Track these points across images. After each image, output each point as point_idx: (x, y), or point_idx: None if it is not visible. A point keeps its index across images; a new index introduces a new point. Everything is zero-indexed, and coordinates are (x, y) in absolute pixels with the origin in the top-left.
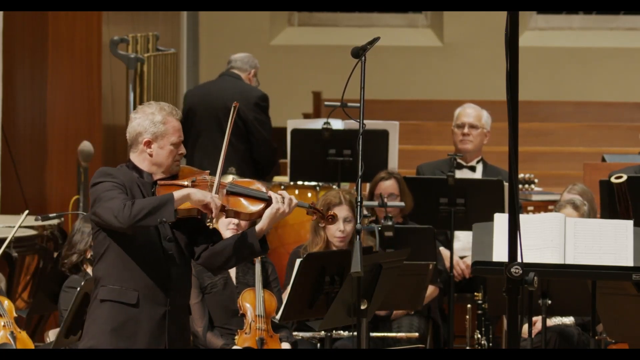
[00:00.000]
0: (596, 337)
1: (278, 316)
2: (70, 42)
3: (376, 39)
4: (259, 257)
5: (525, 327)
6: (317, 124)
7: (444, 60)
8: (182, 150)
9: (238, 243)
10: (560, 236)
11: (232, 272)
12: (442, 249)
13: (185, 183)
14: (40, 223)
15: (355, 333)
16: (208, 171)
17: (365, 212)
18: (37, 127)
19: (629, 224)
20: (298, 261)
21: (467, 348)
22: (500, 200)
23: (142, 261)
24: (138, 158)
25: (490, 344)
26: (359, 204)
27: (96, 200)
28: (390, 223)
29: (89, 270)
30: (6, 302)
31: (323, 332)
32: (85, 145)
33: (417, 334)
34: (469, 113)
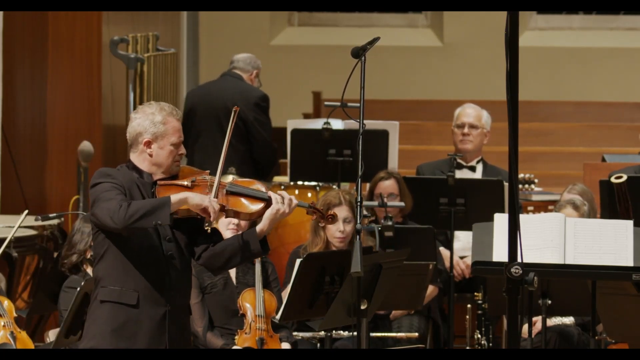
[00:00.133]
0: (596, 337)
1: (278, 316)
2: (70, 42)
3: (376, 39)
4: (259, 257)
5: (525, 327)
6: (317, 124)
7: (444, 60)
8: (182, 150)
9: (238, 244)
10: (560, 236)
11: (232, 272)
12: (442, 249)
13: (185, 183)
14: (40, 223)
15: (355, 333)
16: (208, 171)
17: (365, 212)
18: (37, 127)
19: (629, 224)
20: (298, 261)
21: (467, 348)
22: (500, 200)
23: (142, 262)
24: (138, 158)
25: (490, 344)
26: (358, 204)
27: (95, 201)
28: (390, 223)
29: (89, 270)
30: (6, 302)
31: (323, 332)
32: (85, 145)
33: (417, 334)
34: (469, 113)
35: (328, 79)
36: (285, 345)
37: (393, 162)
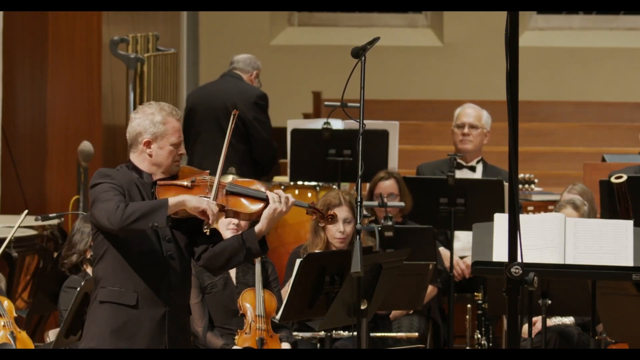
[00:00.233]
0: (596, 337)
1: (278, 316)
2: (70, 42)
3: (376, 39)
4: (259, 257)
5: (525, 327)
6: (317, 124)
7: (444, 60)
8: (182, 150)
9: (238, 244)
10: (560, 236)
11: (232, 272)
12: (442, 249)
13: (185, 183)
14: (40, 223)
15: (355, 333)
16: (208, 171)
17: (364, 212)
18: (37, 127)
19: (629, 224)
20: (298, 261)
21: (467, 348)
22: (500, 200)
23: (141, 262)
24: (138, 158)
25: (490, 344)
26: (358, 204)
27: (93, 201)
28: (390, 223)
29: (89, 270)
30: (6, 302)
31: (323, 332)
32: (85, 145)
33: (417, 334)
34: (469, 113)
35: (328, 79)
36: (285, 345)
37: (393, 162)
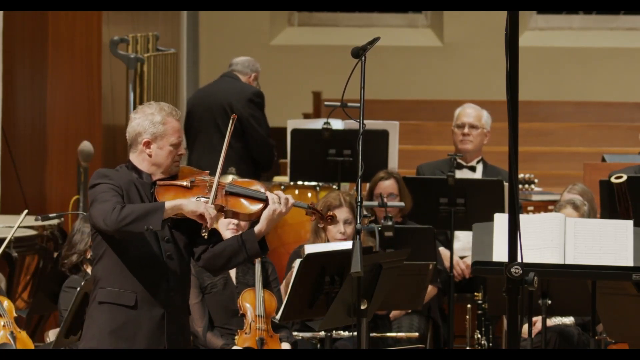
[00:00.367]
0: (596, 337)
1: (278, 316)
2: (70, 42)
3: (376, 39)
4: (259, 258)
5: (525, 327)
6: (317, 124)
7: (444, 60)
8: (182, 150)
9: (237, 245)
10: (560, 236)
11: (232, 272)
12: (442, 249)
13: (185, 183)
14: (40, 223)
15: (355, 333)
16: (207, 171)
17: (364, 212)
18: (37, 127)
19: (629, 224)
20: (298, 261)
21: (467, 348)
22: (500, 200)
23: (140, 263)
24: (137, 158)
25: (490, 344)
26: (358, 204)
27: (92, 202)
28: (390, 223)
29: (89, 270)
30: (6, 302)
31: (323, 332)
32: (85, 145)
33: (417, 334)
34: (469, 113)
35: (328, 79)
36: (285, 345)
37: (393, 162)
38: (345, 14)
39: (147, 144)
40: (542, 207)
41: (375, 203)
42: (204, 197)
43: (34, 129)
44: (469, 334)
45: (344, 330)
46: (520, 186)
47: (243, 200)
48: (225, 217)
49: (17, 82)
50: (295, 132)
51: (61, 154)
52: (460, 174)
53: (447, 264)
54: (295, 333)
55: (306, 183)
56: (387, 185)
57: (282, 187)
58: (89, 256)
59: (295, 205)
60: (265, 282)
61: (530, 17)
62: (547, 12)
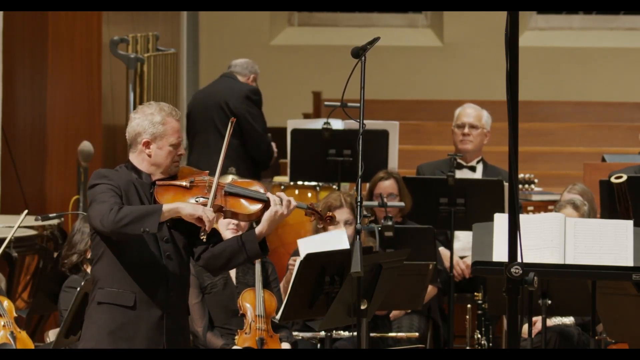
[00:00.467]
0: (596, 337)
1: (278, 316)
2: (70, 42)
3: (376, 39)
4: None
5: (525, 327)
6: (317, 124)
7: (444, 60)
8: (181, 151)
9: (238, 246)
10: (560, 236)
11: (232, 272)
12: (442, 249)
13: (184, 184)
14: (40, 223)
15: (355, 333)
16: (207, 172)
17: (364, 212)
18: (37, 127)
19: (629, 224)
20: (298, 261)
21: (467, 348)
22: (500, 200)
23: (139, 263)
24: (137, 158)
25: (490, 344)
26: (358, 204)
27: (90, 202)
28: (390, 223)
29: (89, 270)
30: (6, 302)
31: (323, 332)
32: (85, 145)
33: (417, 334)
34: (469, 113)
35: (328, 79)
36: (285, 345)
37: (393, 162)
38: (345, 14)
39: (147, 144)
40: (542, 207)
41: (375, 203)
42: (203, 197)
43: (34, 129)
44: (469, 334)
45: (344, 330)
46: (520, 186)
47: (242, 201)
48: (225, 218)
49: (17, 82)
50: (295, 132)
51: (61, 154)
52: (460, 174)
53: (447, 264)
54: (295, 333)
55: (306, 183)
56: (387, 185)
57: (282, 187)
58: (89, 256)
59: (296, 206)
60: (265, 282)
61: (530, 17)
62: (547, 12)
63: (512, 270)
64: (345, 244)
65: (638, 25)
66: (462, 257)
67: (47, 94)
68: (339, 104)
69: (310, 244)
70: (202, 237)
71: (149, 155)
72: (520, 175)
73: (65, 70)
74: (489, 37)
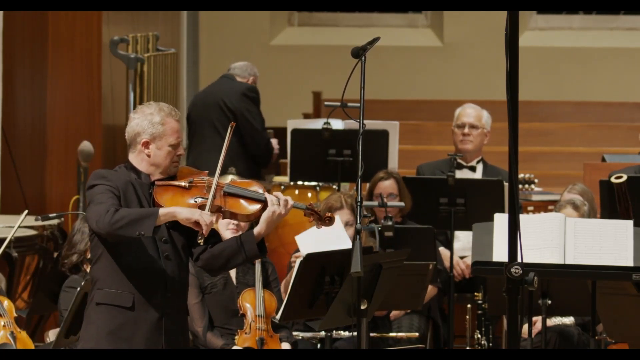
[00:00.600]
0: (596, 337)
1: (278, 316)
2: (70, 42)
3: (376, 39)
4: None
5: (525, 327)
6: (317, 124)
7: (444, 60)
8: (181, 151)
9: (236, 246)
10: (560, 236)
11: (232, 272)
12: (442, 249)
13: (183, 184)
14: (40, 223)
15: (355, 333)
16: (206, 172)
17: (364, 212)
18: (37, 127)
19: (629, 224)
20: (298, 261)
21: (467, 348)
22: (500, 200)
23: (138, 263)
24: (136, 158)
25: (490, 344)
26: (358, 204)
27: (89, 203)
28: (390, 223)
29: (89, 270)
30: (6, 302)
31: (323, 332)
32: (85, 145)
33: (417, 334)
34: (469, 113)
35: (328, 79)
36: (285, 345)
37: (393, 162)
38: (345, 14)
39: (146, 144)
40: (542, 207)
41: (375, 203)
42: (202, 198)
43: (34, 129)
44: (469, 334)
45: (344, 330)
46: (520, 186)
47: (241, 201)
48: (224, 218)
49: (17, 82)
50: (295, 132)
51: (61, 154)
52: (460, 174)
53: (447, 264)
54: (295, 333)
55: (306, 183)
56: (387, 185)
57: (282, 187)
58: (89, 256)
59: (294, 206)
60: (265, 282)
61: (530, 17)
62: (547, 12)
63: (512, 270)
64: (343, 236)
65: (638, 25)
66: (462, 257)
67: (47, 94)
68: (339, 104)
69: (307, 239)
70: (199, 241)
71: (148, 156)
72: (520, 175)
73: (65, 70)
74: (489, 37)
